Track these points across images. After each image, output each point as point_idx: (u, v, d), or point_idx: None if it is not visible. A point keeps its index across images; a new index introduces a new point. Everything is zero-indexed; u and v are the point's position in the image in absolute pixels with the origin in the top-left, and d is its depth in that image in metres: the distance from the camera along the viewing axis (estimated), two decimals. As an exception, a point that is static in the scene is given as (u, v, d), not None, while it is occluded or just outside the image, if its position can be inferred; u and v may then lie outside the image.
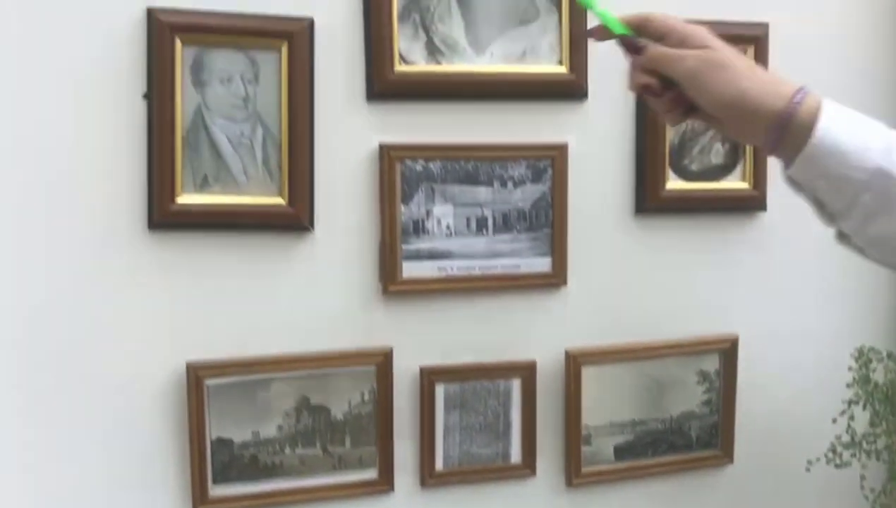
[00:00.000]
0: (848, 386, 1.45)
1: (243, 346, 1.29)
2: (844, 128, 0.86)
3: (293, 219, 1.29)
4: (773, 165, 1.47)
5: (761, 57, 1.45)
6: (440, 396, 1.38)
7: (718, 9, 1.38)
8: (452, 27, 1.35)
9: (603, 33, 0.95)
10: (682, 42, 0.89)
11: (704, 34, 0.90)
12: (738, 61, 0.89)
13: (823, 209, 0.93)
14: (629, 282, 1.47)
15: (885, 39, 1.57)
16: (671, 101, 0.92)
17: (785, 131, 0.87)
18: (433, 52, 1.34)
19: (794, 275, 1.54)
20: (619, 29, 0.91)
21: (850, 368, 1.45)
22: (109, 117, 1.22)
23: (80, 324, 1.24)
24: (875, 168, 0.84)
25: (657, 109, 0.94)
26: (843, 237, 0.95)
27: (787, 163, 0.90)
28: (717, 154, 1.48)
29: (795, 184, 0.92)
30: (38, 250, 1.22)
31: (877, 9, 1.56)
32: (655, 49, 0.91)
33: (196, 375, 1.26)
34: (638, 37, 0.91)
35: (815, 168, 0.88)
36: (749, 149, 1.48)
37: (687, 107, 0.92)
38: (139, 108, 1.23)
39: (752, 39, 1.45)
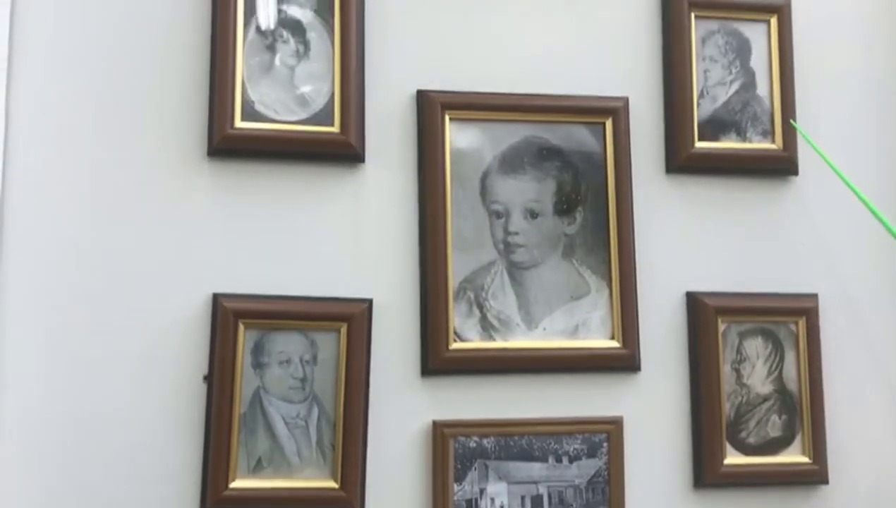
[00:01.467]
0: None
1: None
2: None
3: (344, 502, 1.25)
4: (833, 437, 1.44)
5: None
6: None
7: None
8: (506, 304, 1.37)
9: None
10: None
11: None
12: None
13: None
14: (691, 563, 1.39)
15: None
16: None
17: None
18: (487, 327, 1.36)
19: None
20: None
21: None
22: (169, 398, 1.23)
23: None
24: None
25: None
26: None
27: None
28: (775, 426, 1.44)
29: None
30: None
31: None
32: None
33: None
34: None
35: None
36: (807, 422, 1.45)
37: None
38: (199, 390, 1.24)
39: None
